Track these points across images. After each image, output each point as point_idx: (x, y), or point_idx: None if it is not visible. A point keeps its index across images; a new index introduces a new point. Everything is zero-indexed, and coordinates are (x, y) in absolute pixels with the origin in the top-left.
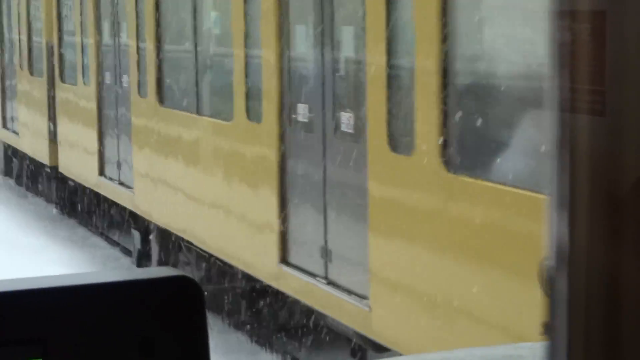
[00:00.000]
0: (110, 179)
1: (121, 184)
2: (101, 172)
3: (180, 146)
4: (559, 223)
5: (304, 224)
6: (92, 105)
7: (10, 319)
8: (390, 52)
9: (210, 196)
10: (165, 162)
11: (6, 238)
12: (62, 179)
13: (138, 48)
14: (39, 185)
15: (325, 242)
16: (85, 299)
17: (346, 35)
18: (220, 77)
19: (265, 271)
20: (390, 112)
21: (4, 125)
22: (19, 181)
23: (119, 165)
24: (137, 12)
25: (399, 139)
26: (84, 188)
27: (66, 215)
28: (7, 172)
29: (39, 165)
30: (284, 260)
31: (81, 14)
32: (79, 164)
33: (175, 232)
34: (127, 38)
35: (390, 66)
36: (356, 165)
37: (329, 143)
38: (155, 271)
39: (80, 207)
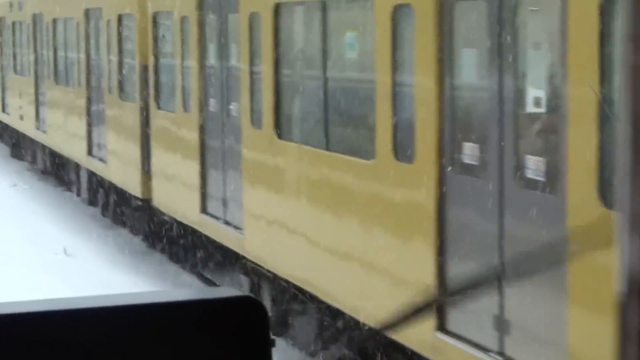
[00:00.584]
0: (215, 217)
1: (227, 223)
2: (203, 209)
3: (304, 186)
4: (631, 247)
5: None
6: (194, 135)
7: (76, 337)
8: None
9: (342, 246)
10: (284, 203)
11: (90, 273)
12: (153, 212)
13: (251, 72)
14: (126, 217)
15: (505, 319)
16: (150, 317)
17: (535, 61)
18: (356, 107)
19: (418, 340)
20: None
21: (90, 153)
22: (104, 212)
23: (224, 203)
24: (250, 32)
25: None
26: (179, 223)
27: (157, 251)
28: (92, 202)
29: (128, 197)
30: (441, 328)
31: (182, 33)
32: (176, 199)
33: (294, 281)
34: (238, 61)
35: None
36: (547, 219)
37: (507, 191)
38: (221, 291)
39: (173, 242)
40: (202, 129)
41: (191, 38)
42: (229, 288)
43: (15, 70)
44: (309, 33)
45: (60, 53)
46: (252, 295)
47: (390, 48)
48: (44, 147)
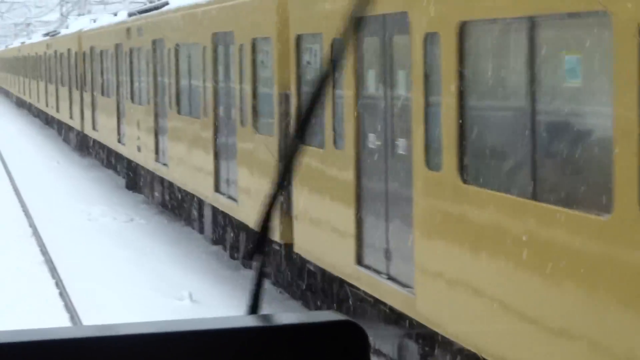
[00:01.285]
0: (376, 271)
1: (391, 279)
2: (359, 261)
3: (510, 244)
4: None
5: None
6: (348, 175)
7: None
8: None
9: (558, 320)
10: (478, 263)
11: None
12: (290, 257)
13: (426, 103)
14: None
15: None
16: (249, 342)
17: None
18: (578, 146)
19: None
20: None
21: (217, 189)
22: (233, 253)
23: (388, 256)
24: (425, 55)
25: None
26: (324, 273)
27: (294, 299)
28: (218, 241)
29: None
30: None
31: (332, 58)
32: (324, 246)
33: (483, 355)
34: (406, 89)
35: None
36: None
37: None
38: (319, 315)
39: (315, 292)
40: (359, 168)
41: (347, 63)
42: (330, 312)
43: (132, 99)
44: (508, 56)
45: (184, 81)
46: (352, 319)
47: (638, 74)
48: (162, 180)
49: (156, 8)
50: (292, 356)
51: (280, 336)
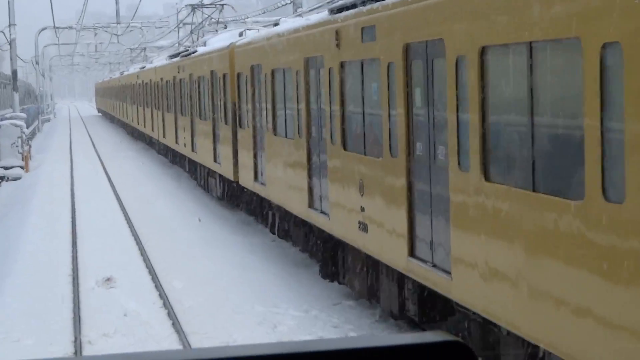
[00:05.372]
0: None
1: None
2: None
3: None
4: None
5: None
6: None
7: None
8: None
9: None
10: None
11: None
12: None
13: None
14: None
15: None
16: None
17: None
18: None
19: None
20: None
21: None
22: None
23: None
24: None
25: None
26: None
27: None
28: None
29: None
30: None
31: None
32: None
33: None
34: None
35: None
36: None
37: None
38: (428, 336)
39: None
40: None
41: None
42: (438, 332)
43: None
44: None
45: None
46: (461, 339)
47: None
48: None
49: None
50: None
51: (391, 357)
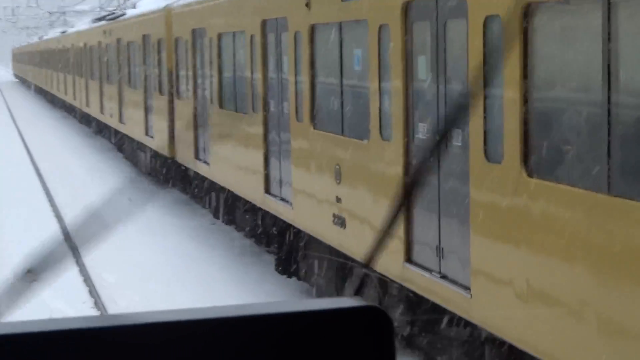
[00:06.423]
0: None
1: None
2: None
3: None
4: None
5: None
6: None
7: (196, 349)
8: None
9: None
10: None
11: None
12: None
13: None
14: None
15: None
16: (270, 328)
17: None
18: None
19: None
20: None
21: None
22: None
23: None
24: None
25: None
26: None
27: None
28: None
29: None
30: None
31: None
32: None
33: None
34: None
35: None
36: None
37: None
38: (344, 301)
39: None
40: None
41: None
42: (353, 298)
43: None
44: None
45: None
46: (377, 304)
47: None
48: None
49: None
50: (315, 342)
51: (304, 322)
